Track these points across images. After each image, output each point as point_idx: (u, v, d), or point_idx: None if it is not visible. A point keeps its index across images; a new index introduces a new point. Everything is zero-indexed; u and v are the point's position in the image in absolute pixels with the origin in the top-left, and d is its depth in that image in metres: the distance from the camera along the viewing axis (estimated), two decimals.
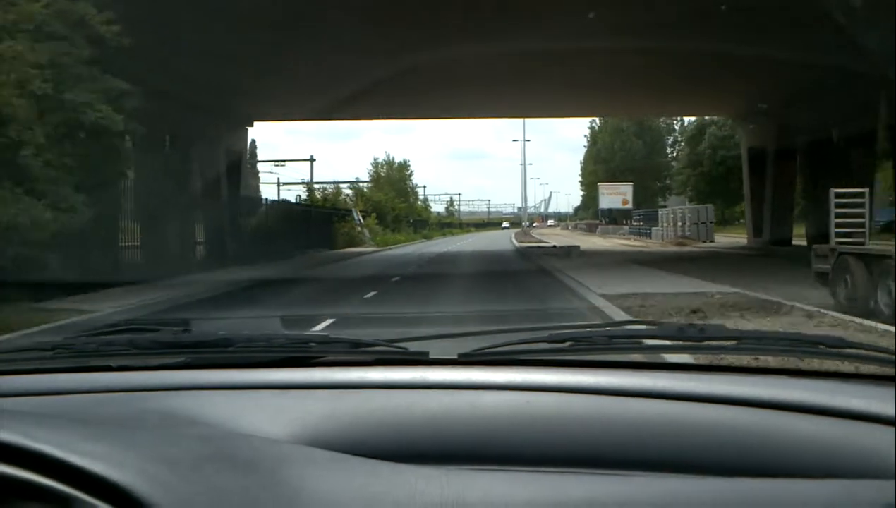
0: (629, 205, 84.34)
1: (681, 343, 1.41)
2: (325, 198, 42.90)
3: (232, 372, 1.38)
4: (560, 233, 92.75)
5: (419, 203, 78.71)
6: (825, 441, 1.05)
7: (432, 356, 1.41)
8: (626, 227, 76.65)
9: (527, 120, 79.44)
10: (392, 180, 70.42)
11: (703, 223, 43.93)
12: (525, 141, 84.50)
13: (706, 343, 1.39)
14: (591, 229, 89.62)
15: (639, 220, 60.69)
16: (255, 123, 30.95)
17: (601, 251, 34.56)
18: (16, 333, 8.67)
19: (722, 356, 1.54)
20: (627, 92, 28.52)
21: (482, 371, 1.31)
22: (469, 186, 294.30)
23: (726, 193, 67.13)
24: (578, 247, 31.16)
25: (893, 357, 1.31)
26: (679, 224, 45.00)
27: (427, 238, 60.24)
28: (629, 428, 1.10)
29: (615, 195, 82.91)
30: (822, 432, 1.07)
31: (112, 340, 1.54)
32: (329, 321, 9.40)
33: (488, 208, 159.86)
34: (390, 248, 40.97)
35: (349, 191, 55.63)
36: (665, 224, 48.26)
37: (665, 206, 78.30)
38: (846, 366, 1.42)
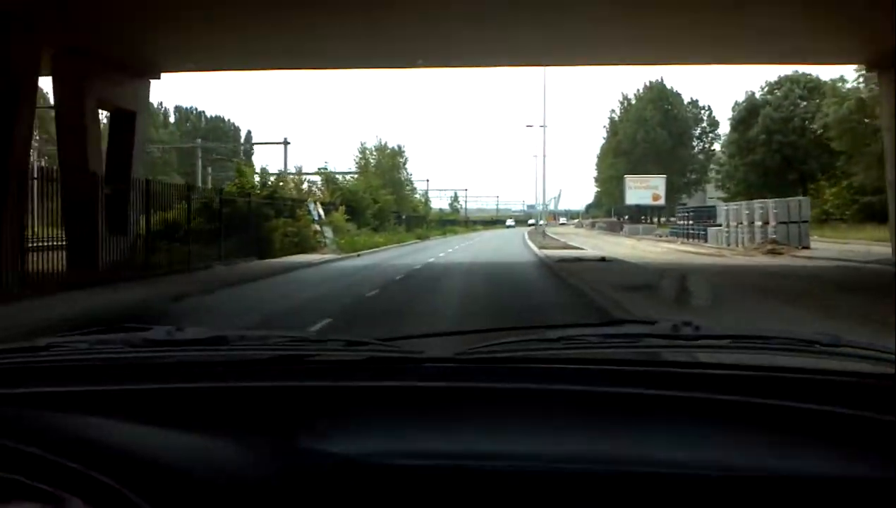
0: (661, 201, 71.81)
1: (676, 341, 1.42)
2: (264, 185, 29.09)
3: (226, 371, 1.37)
4: (578, 232, 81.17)
5: (416, 197, 65.95)
6: (822, 440, 1.05)
7: (427, 355, 1.39)
8: (657, 227, 64.74)
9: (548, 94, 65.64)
10: (383, 169, 58.18)
11: (794, 222, 31.05)
12: (542, 126, 71.61)
13: (701, 341, 1.41)
14: (613, 228, 77.63)
15: (685, 217, 47.83)
16: (170, 75, 21.69)
17: (674, 265, 21.99)
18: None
19: (717, 354, 1.54)
20: (711, 29, 16.27)
21: (477, 370, 1.30)
22: (477, 182, 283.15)
23: (781, 187, 55.13)
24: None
25: (892, 356, 1.32)
26: (758, 224, 32.10)
27: (421, 238, 48.55)
28: (624, 427, 1.10)
29: (644, 189, 70.19)
30: (818, 432, 1.07)
31: (105, 339, 1.53)
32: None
33: (497, 205, 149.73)
34: (358, 255, 28.66)
35: (317, 179, 43.26)
36: (734, 222, 35.57)
37: (684, 204, 68.21)
38: (843, 365, 1.38)
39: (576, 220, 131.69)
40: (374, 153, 58.65)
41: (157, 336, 1.48)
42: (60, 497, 0.78)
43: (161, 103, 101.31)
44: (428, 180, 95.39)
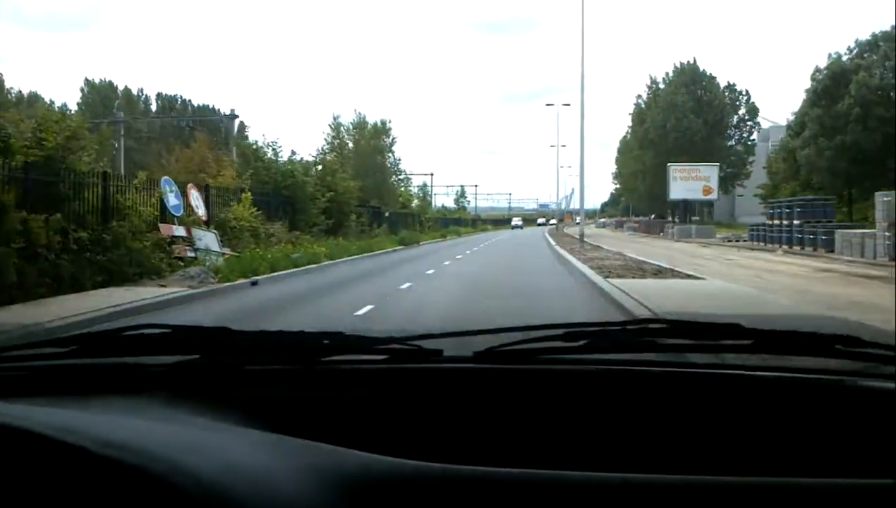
0: (713, 195, 57.31)
1: (696, 341, 1.41)
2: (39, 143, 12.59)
3: (244, 368, 1.34)
4: (603, 233, 67.22)
5: (407, 189, 51.31)
6: (840, 440, 1.04)
7: (446, 354, 1.34)
8: (713, 226, 50.54)
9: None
10: (362, 151, 44.29)
11: None
12: (563, 105, 57.65)
13: (723, 341, 1.40)
14: (649, 229, 63.34)
15: (779, 214, 33.38)
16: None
17: None
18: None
19: (739, 355, 1.54)
20: None
21: (497, 369, 1.27)
22: (488, 180, 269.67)
23: (877, 176, 41.14)
24: None
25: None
26: None
27: (406, 244, 34.13)
28: (646, 427, 1.08)
29: (693, 180, 55.40)
30: (835, 431, 1.05)
31: (126, 337, 1.49)
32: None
33: (509, 203, 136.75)
34: (253, 284, 14.38)
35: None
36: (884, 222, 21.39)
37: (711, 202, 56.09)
38: (864, 366, 1.35)
39: (601, 219, 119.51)
40: (353, 132, 44.68)
41: (178, 335, 1.48)
42: (94, 488, 0.80)
43: (142, 90, 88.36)
44: (432, 174, 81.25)
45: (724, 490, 0.88)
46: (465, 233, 61.67)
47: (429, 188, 65.56)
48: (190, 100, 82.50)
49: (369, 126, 44.85)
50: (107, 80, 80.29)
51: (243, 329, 1.47)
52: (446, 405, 1.17)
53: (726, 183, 79.43)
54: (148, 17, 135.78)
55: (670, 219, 64.26)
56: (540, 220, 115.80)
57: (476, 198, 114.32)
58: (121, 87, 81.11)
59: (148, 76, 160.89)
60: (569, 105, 58.15)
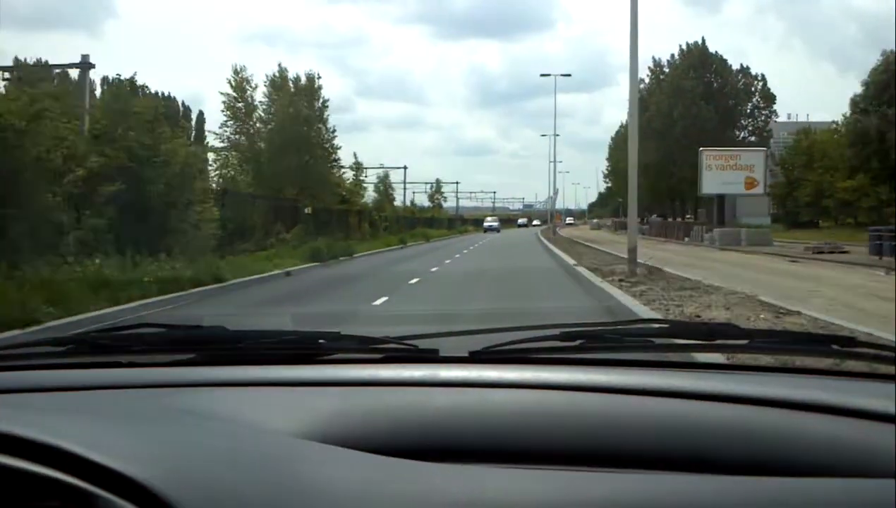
0: (759, 189, 43.72)
1: (692, 341, 1.38)
2: None
3: (243, 368, 1.31)
4: (614, 238, 53.77)
5: (343, 173, 35.65)
6: (838, 440, 1.01)
7: (443, 353, 1.35)
8: (767, 230, 37.12)
9: None
10: (281, 120, 29.43)
11: None
12: (562, 75, 44.47)
13: (717, 341, 1.36)
14: (664, 232, 50.06)
15: None
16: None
17: None
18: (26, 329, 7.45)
19: (733, 354, 1.50)
20: None
21: (493, 368, 1.24)
22: (473, 183, 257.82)
23: None
24: None
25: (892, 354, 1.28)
26: None
27: (324, 258, 19.69)
28: (640, 427, 1.06)
29: (732, 170, 41.70)
30: (833, 431, 1.02)
31: (124, 336, 1.50)
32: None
33: (493, 202, 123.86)
34: None
35: None
36: None
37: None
38: (859, 366, 1.34)
39: (594, 220, 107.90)
40: (270, 92, 30.20)
41: (175, 334, 1.46)
42: (85, 494, 0.76)
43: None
44: (405, 167, 66.94)
45: (719, 490, 0.86)
46: (435, 237, 47.34)
47: (391, 180, 51.48)
48: (145, 85, 68.09)
49: (291, 83, 30.52)
50: None
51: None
52: (442, 404, 1.12)
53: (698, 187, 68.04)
54: None
55: (683, 218, 51.82)
56: (521, 221, 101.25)
57: (458, 197, 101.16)
58: None
59: None
60: (569, 75, 44.20)
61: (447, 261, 22.02)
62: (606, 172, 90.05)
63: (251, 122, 29.43)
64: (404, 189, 66.76)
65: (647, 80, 72.57)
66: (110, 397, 1.19)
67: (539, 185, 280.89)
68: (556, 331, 1.35)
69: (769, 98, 69.12)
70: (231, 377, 1.26)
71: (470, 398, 1.14)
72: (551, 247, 30.36)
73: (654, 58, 72.12)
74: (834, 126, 59.09)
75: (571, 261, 19.64)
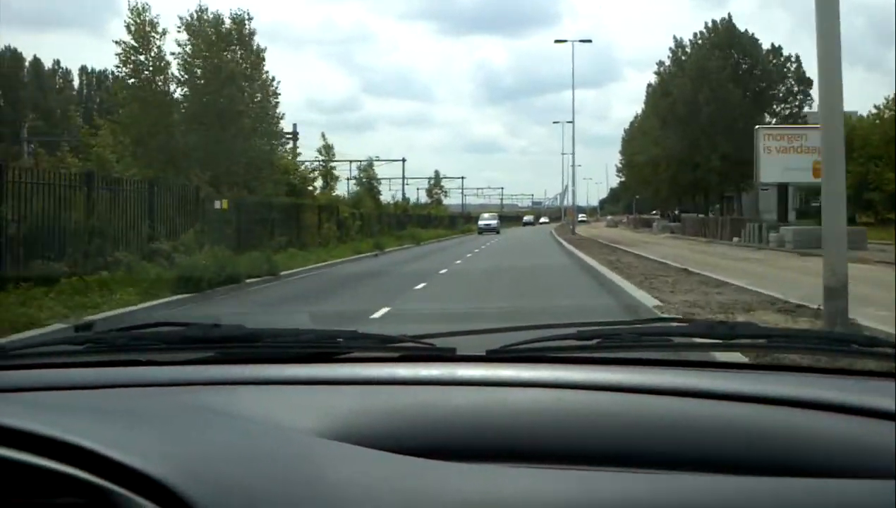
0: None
1: (711, 341, 1.35)
2: None
3: (260, 366, 1.30)
4: (633, 237, 45.02)
5: (301, 158, 27.46)
6: (859, 440, 0.99)
7: (460, 352, 1.33)
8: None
9: None
10: (197, 86, 20.88)
11: None
12: (582, 41, 36.17)
13: (737, 341, 1.34)
14: (703, 231, 41.57)
15: None
16: None
17: None
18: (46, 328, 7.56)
19: (753, 354, 1.46)
20: None
21: (510, 367, 1.23)
22: (481, 180, 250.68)
23: None
24: None
25: None
26: None
27: (196, 285, 11.01)
28: (658, 426, 1.04)
29: (796, 153, 32.90)
30: (853, 431, 1.00)
31: (142, 335, 1.47)
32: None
33: (501, 199, 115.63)
34: None
35: None
36: None
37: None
38: (880, 365, 1.30)
39: (608, 217, 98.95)
40: (190, 38, 20.93)
41: (193, 333, 1.44)
42: (102, 490, 0.76)
43: (58, 62, 68.61)
44: (404, 160, 58.03)
45: (735, 490, 0.84)
46: (429, 239, 38.32)
47: (384, 174, 42.16)
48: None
49: (209, 24, 21.17)
50: None
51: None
52: (459, 403, 1.11)
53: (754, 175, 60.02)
54: None
55: (707, 214, 43.69)
56: (527, 218, 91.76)
57: (463, 193, 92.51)
58: None
59: None
60: (590, 41, 35.46)
61: (418, 287, 13.14)
62: (620, 166, 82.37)
63: (159, 83, 20.60)
64: (403, 184, 58.02)
65: (667, 62, 64.28)
66: (128, 395, 1.17)
67: (548, 182, 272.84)
68: (573, 330, 1.33)
69: (805, 81, 60.57)
70: (249, 375, 1.24)
71: (487, 397, 1.12)
72: (580, 254, 21.45)
73: (675, 37, 63.81)
74: (876, 111, 51.09)
75: (645, 296, 10.50)
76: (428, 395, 1.14)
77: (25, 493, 0.79)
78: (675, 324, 1.45)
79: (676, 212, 68.53)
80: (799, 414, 1.03)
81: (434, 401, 1.11)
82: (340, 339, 1.39)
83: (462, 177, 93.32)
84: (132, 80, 20.53)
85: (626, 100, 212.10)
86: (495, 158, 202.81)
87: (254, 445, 0.91)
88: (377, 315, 9.26)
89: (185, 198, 15.98)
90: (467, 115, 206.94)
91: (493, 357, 1.28)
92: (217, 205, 16.77)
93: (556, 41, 50.96)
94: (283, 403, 1.11)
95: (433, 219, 52.87)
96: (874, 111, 52.05)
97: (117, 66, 20.52)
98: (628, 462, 0.94)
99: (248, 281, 12.99)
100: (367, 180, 39.69)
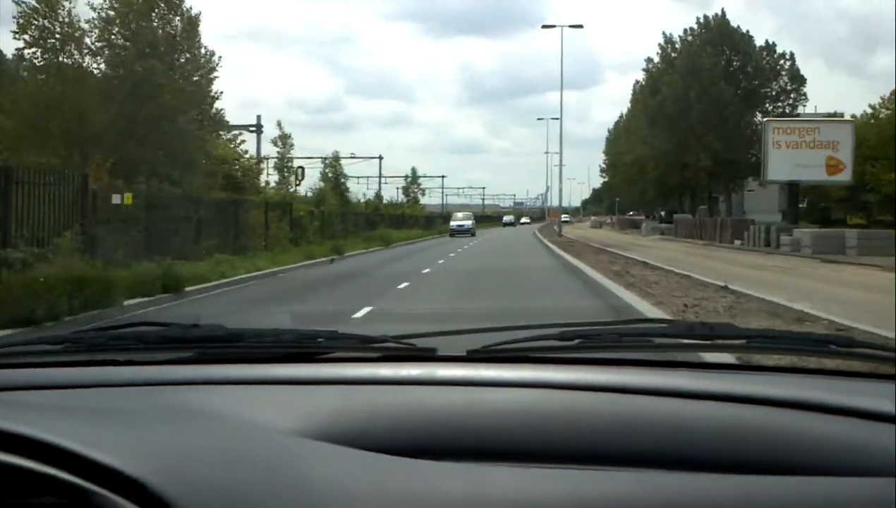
0: (844, 174, 31.13)
1: (691, 341, 1.35)
2: None
3: (240, 366, 1.29)
4: (621, 239, 41.73)
5: (244, 145, 23.42)
6: (837, 440, 1.00)
7: (441, 352, 1.33)
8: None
9: None
10: (114, 57, 16.98)
11: None
12: (571, 26, 32.97)
13: (716, 341, 1.34)
14: (694, 232, 38.73)
15: None
16: None
17: None
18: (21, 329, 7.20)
19: (732, 354, 1.43)
20: None
21: (491, 367, 1.23)
22: (463, 180, 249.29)
23: None
24: None
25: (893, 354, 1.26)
26: None
27: (31, 317, 7.31)
28: (639, 426, 1.04)
29: (808, 148, 29.60)
30: (831, 431, 1.01)
31: (120, 335, 1.45)
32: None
33: (483, 198, 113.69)
34: None
35: None
36: None
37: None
38: (857, 366, 1.32)
39: (592, 217, 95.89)
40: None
41: (173, 333, 1.43)
42: (80, 490, 0.76)
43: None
44: (380, 157, 54.63)
45: (716, 488, 0.85)
46: (401, 240, 34.67)
47: (342, 166, 38.02)
48: None
49: None
50: None
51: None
52: (440, 403, 1.10)
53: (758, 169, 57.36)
54: None
55: (694, 214, 41.26)
56: (507, 218, 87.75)
57: (444, 193, 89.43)
58: None
59: None
60: (581, 27, 32.91)
61: (363, 312, 9.56)
62: (604, 166, 79.70)
63: (69, 53, 16.97)
64: (379, 182, 54.53)
65: (656, 59, 61.57)
66: (107, 395, 1.17)
67: (530, 183, 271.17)
68: (555, 331, 1.33)
69: (798, 79, 58.05)
70: (229, 375, 1.23)
71: (467, 397, 1.12)
72: (576, 263, 18.03)
73: (664, 33, 60.77)
74: (871, 111, 48.83)
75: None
76: (409, 395, 1.13)
77: (2, 493, 0.78)
78: (656, 325, 1.46)
79: (663, 213, 65.96)
80: (778, 414, 1.03)
81: (415, 401, 1.11)
82: (321, 339, 1.39)
83: (442, 176, 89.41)
84: (34, 50, 16.87)
85: (608, 103, 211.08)
86: (477, 159, 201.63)
87: (234, 445, 0.90)
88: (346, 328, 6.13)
89: (66, 192, 12.27)
90: (450, 116, 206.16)
91: (474, 357, 1.28)
92: (117, 200, 13.15)
93: (544, 26, 47.59)
94: (264, 403, 1.10)
95: (408, 218, 49.31)
96: (869, 111, 49.89)
97: (15, 32, 16.81)
98: (610, 462, 0.94)
99: (126, 303, 9.42)
100: (334, 176, 35.89)
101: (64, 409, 1.03)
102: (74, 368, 1.29)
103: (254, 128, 31.61)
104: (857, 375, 1.24)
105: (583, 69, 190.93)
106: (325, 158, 36.90)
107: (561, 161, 56.15)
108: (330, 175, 35.77)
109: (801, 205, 53.48)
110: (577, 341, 1.29)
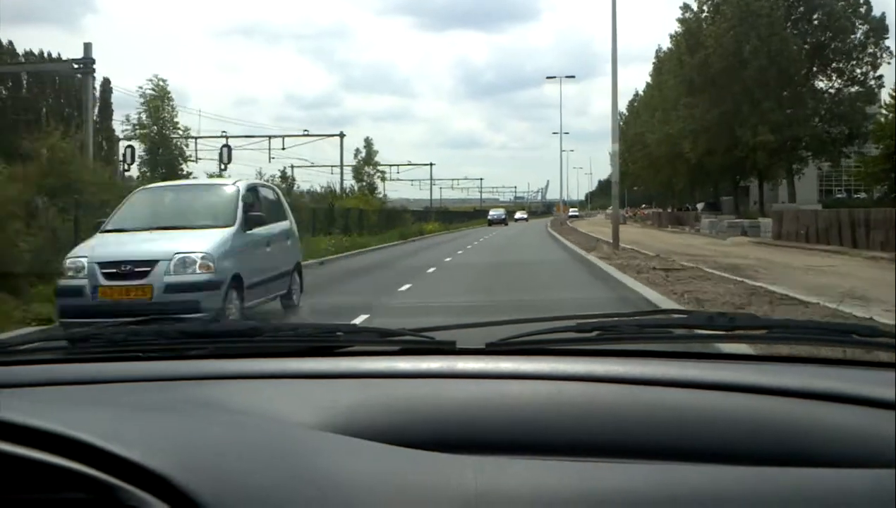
0: None
1: (711, 332, 1.35)
2: None
3: (259, 361, 1.30)
4: (686, 242, 26.28)
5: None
6: (859, 430, 0.98)
7: (459, 345, 1.32)
8: None
9: None
10: None
11: None
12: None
13: (736, 332, 1.33)
14: (816, 236, 22.13)
15: None
16: None
17: None
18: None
19: (753, 345, 1.43)
20: None
21: (510, 360, 1.22)
22: (460, 174, 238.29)
23: None
24: None
25: None
26: None
27: None
28: (658, 417, 1.04)
29: None
30: (853, 421, 1.00)
31: (140, 330, 1.45)
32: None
33: (480, 191, 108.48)
34: None
35: None
36: None
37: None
38: (881, 355, 1.29)
39: (603, 211, 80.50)
40: None
41: (192, 328, 1.43)
42: (103, 485, 0.76)
43: None
44: (342, 134, 39.06)
45: (735, 480, 0.84)
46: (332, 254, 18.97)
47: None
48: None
49: None
50: None
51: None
52: (459, 396, 1.11)
53: (833, 149, 42.63)
54: None
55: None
56: (493, 213, 67.57)
57: (431, 186, 74.33)
58: None
59: None
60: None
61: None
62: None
63: None
64: (342, 172, 38.66)
65: (694, 6, 45.82)
66: (127, 390, 1.17)
67: (529, 177, 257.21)
68: (573, 323, 1.33)
69: (880, 29, 42.82)
70: (248, 370, 1.24)
71: (486, 389, 1.12)
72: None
73: None
74: None
75: None
76: (428, 388, 1.14)
77: (26, 489, 0.79)
78: (675, 316, 1.43)
79: (700, 205, 50.67)
80: (800, 405, 1.02)
81: (434, 394, 1.11)
82: (340, 333, 1.39)
83: (431, 164, 73.68)
84: None
85: (607, 95, 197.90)
86: (475, 153, 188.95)
87: (254, 439, 0.90)
88: None
89: None
90: (447, 111, 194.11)
91: (492, 349, 1.27)
92: None
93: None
94: (283, 397, 1.11)
95: (364, 214, 32.86)
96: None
97: None
98: (628, 454, 0.94)
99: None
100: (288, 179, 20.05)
101: (85, 404, 1.03)
102: (95, 364, 1.29)
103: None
104: (880, 365, 1.20)
105: (580, 62, 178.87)
106: (254, 137, 22.27)
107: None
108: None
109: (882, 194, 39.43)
110: (595, 333, 1.29)
